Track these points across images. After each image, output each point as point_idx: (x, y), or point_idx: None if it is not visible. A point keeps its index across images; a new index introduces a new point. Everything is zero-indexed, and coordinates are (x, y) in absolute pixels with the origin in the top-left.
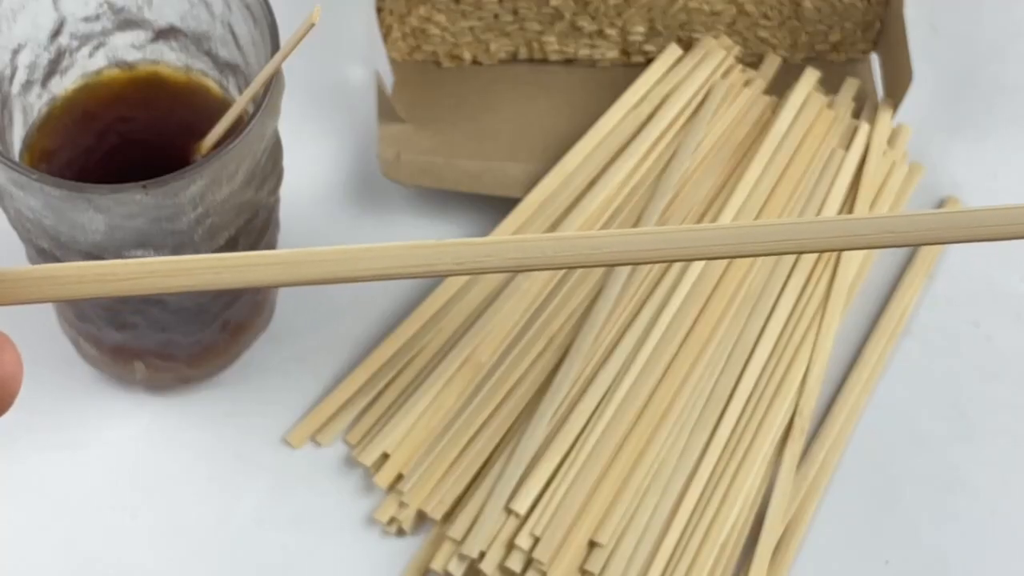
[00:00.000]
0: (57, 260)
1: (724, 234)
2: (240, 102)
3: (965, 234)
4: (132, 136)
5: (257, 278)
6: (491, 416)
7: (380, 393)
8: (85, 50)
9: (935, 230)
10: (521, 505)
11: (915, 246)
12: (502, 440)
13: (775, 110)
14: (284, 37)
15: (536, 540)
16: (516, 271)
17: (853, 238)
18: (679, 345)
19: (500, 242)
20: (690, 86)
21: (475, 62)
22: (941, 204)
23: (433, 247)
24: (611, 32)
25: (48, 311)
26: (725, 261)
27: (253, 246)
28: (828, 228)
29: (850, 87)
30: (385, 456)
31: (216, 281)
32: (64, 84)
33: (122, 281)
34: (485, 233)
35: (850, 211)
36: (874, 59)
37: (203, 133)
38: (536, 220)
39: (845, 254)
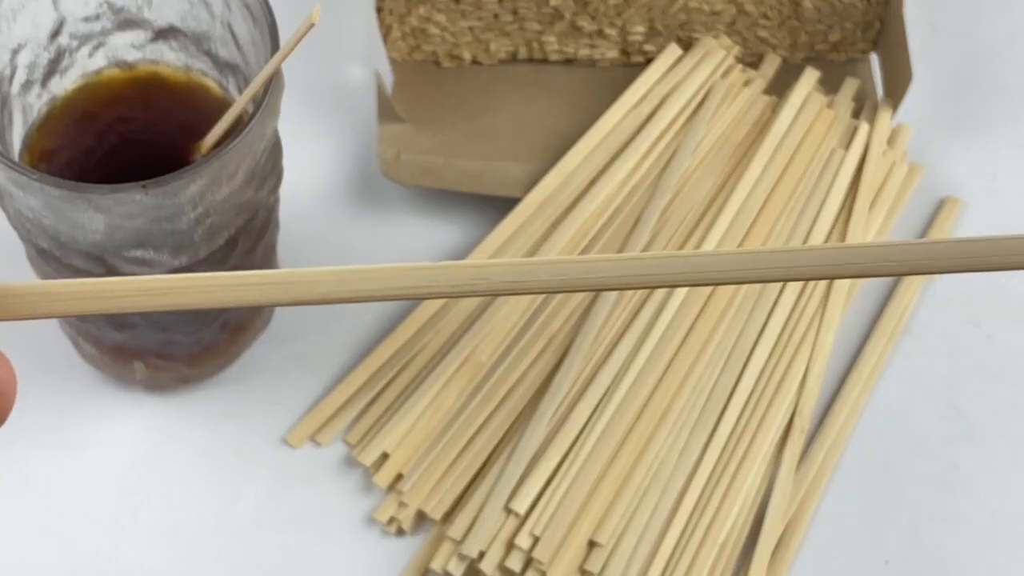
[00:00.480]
0: (57, 260)
1: (720, 260)
2: (240, 102)
3: (961, 264)
4: (132, 136)
5: (253, 298)
6: (491, 416)
7: (380, 393)
8: (85, 50)
9: (933, 259)
10: (521, 505)
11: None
12: (502, 440)
13: (775, 110)
14: (284, 37)
15: (536, 540)
16: (508, 294)
17: (848, 266)
18: (679, 345)
19: (491, 265)
20: (690, 86)
21: (475, 62)
22: (941, 204)
23: (427, 270)
24: (611, 32)
25: None
26: None
27: (253, 246)
28: (828, 256)
29: (850, 87)
30: (385, 456)
31: (209, 300)
32: (64, 84)
33: (120, 298)
34: (485, 232)
35: (850, 211)
36: (874, 59)
37: (203, 133)
38: (536, 220)
39: None
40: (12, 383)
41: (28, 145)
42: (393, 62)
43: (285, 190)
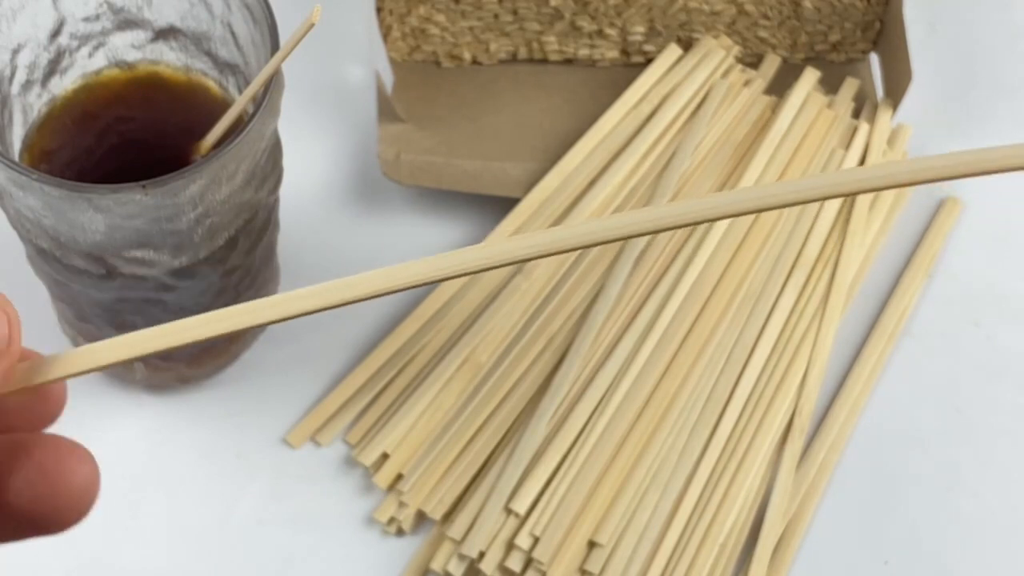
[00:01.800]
0: (57, 260)
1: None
2: (240, 102)
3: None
4: (132, 136)
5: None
6: (491, 416)
7: (380, 393)
8: (85, 50)
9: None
10: (521, 505)
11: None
12: (502, 440)
13: (775, 110)
14: (284, 37)
15: (536, 540)
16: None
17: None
18: (679, 345)
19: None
20: (690, 86)
21: (475, 62)
22: (941, 204)
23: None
24: (611, 32)
25: (48, 310)
26: (724, 258)
27: (253, 246)
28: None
29: (850, 87)
30: (385, 456)
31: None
32: (64, 84)
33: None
34: (485, 233)
35: (849, 211)
36: (874, 59)
37: (203, 133)
38: (536, 220)
39: (845, 254)
40: (94, 480)
41: (28, 145)
42: (393, 62)
43: (285, 190)
